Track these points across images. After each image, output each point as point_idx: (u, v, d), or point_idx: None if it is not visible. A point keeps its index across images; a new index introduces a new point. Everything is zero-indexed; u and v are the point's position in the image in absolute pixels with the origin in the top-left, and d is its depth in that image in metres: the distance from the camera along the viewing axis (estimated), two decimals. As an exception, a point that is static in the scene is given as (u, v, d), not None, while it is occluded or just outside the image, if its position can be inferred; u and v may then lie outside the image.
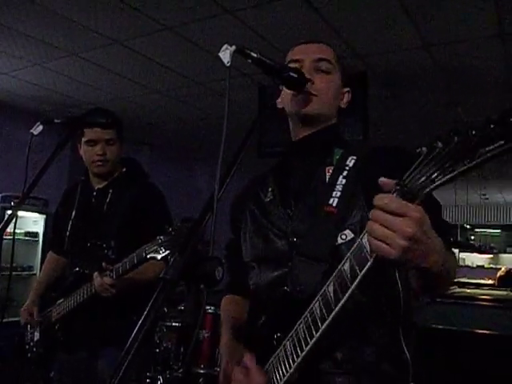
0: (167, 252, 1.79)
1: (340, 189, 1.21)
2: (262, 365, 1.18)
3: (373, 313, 1.16)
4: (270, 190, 1.37)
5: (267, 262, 1.31)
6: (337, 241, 1.16)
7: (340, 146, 1.33)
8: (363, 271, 0.90)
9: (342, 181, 1.23)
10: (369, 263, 0.89)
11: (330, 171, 1.27)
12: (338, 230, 1.17)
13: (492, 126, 0.67)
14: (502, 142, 0.67)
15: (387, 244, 0.82)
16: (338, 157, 1.30)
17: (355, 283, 0.92)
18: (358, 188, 1.20)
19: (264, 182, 1.42)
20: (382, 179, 0.86)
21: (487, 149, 0.68)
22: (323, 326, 0.99)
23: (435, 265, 0.89)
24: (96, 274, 1.98)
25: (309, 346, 1.03)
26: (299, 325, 1.06)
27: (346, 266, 0.95)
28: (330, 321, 0.98)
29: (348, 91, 1.41)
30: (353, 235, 1.15)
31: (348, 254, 0.95)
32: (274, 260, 1.29)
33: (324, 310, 0.99)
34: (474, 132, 0.69)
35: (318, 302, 1.01)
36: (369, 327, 1.16)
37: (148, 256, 1.85)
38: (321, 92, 1.29)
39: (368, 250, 0.89)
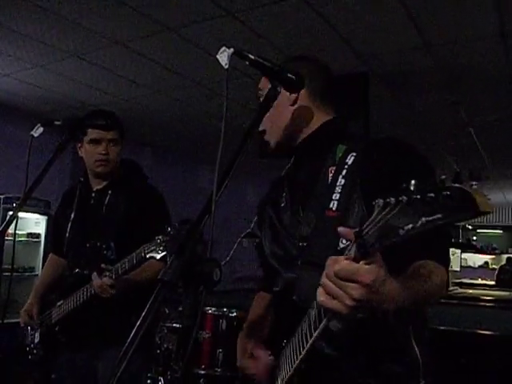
0: (166, 252, 1.80)
1: (339, 190, 1.20)
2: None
3: (377, 322, 1.12)
4: (283, 194, 1.40)
5: (283, 267, 1.35)
6: (339, 245, 1.15)
7: (344, 141, 1.30)
8: (320, 326, 0.97)
9: (341, 181, 1.21)
10: (323, 322, 0.96)
11: (333, 171, 1.25)
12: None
13: (431, 196, 0.67)
14: (439, 216, 0.67)
15: (339, 301, 0.87)
16: (340, 154, 1.27)
17: (317, 332, 0.99)
18: (356, 187, 1.19)
19: (281, 185, 1.44)
20: (341, 229, 0.89)
21: (427, 219, 0.68)
22: (307, 346, 1.04)
23: (391, 308, 0.92)
24: (95, 274, 1.99)
25: (299, 359, 1.09)
26: (294, 338, 1.12)
27: (312, 312, 1.02)
28: (311, 343, 1.03)
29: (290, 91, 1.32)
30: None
31: (314, 302, 1.00)
32: (286, 265, 1.32)
33: (307, 332, 1.03)
34: (418, 197, 0.69)
35: (305, 322, 1.05)
36: (375, 331, 1.14)
37: (147, 256, 1.86)
38: (265, 127, 1.36)
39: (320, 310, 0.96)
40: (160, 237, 1.83)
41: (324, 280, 0.89)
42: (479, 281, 10.40)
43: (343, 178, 1.21)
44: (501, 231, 12.41)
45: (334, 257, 0.89)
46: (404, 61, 4.02)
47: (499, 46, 3.65)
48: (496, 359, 3.41)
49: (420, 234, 0.71)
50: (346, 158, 1.24)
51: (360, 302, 0.85)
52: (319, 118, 1.36)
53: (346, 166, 1.23)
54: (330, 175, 1.25)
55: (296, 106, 1.35)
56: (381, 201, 0.76)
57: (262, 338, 1.42)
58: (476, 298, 4.76)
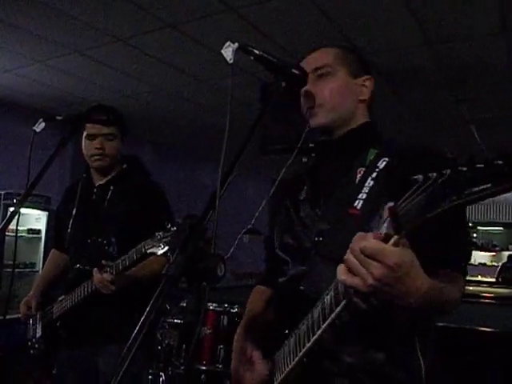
0: (166, 248, 1.81)
1: (366, 191, 1.21)
2: (271, 357, 1.25)
3: (384, 319, 1.12)
4: (304, 188, 1.39)
5: (294, 259, 1.34)
6: None
7: (375, 146, 1.31)
8: (336, 310, 0.97)
9: (369, 183, 1.22)
10: (340, 306, 0.96)
11: (362, 172, 1.26)
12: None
13: (481, 166, 0.66)
14: (489, 185, 0.66)
15: (360, 278, 0.88)
16: (372, 157, 1.28)
17: (332, 316, 0.99)
18: (384, 191, 1.18)
19: (301, 178, 1.43)
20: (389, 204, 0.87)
21: (474, 189, 0.67)
22: (318, 332, 1.03)
23: (415, 304, 0.93)
24: (96, 270, 1.99)
25: (307, 347, 1.07)
26: (302, 325, 1.10)
27: (328, 297, 1.01)
28: (324, 328, 1.02)
29: (368, 79, 1.37)
30: None
31: (330, 287, 1.00)
32: (298, 257, 1.32)
33: (320, 318, 1.02)
34: (464, 169, 0.68)
35: (318, 308, 1.04)
36: (380, 332, 1.14)
37: (148, 251, 1.86)
38: (324, 100, 1.31)
39: (341, 289, 0.95)
40: (160, 233, 1.84)
41: (348, 256, 0.89)
42: (479, 278, 10.40)
43: (372, 180, 1.22)
44: (501, 228, 12.41)
45: (362, 233, 0.89)
46: (405, 58, 4.01)
47: (501, 44, 3.65)
48: (497, 356, 3.42)
49: (463, 206, 0.69)
50: (378, 162, 1.25)
51: (380, 283, 0.85)
52: (359, 117, 1.37)
53: (377, 170, 1.23)
54: (359, 176, 1.25)
55: (362, 94, 1.36)
56: (420, 176, 0.75)
57: (260, 337, 1.39)
58: (477, 295, 4.76)
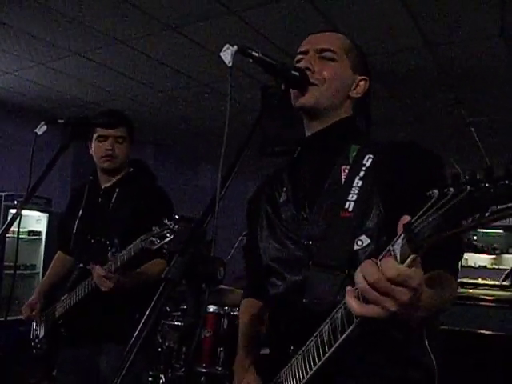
0: (162, 242, 1.83)
1: (356, 191, 1.16)
2: (275, 374, 1.19)
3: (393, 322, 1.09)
4: (284, 189, 1.32)
5: (283, 267, 1.27)
6: (353, 247, 1.13)
7: (356, 141, 1.26)
8: (349, 329, 0.91)
9: (358, 182, 1.17)
10: (353, 325, 0.90)
11: (346, 171, 1.21)
12: (354, 235, 1.13)
13: (506, 182, 0.61)
14: None
15: (378, 306, 0.81)
16: (354, 154, 1.23)
17: (345, 334, 0.93)
18: (374, 189, 1.16)
19: (279, 180, 1.36)
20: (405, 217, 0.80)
21: (499, 207, 0.62)
22: (330, 351, 0.97)
23: (423, 316, 0.90)
24: (94, 266, 2.01)
25: (317, 365, 1.01)
26: (310, 342, 1.05)
27: (338, 315, 0.95)
28: (336, 347, 0.96)
29: (364, 79, 1.32)
30: (369, 241, 1.12)
31: (340, 304, 0.95)
32: (289, 265, 1.25)
33: (331, 336, 0.97)
34: (487, 185, 0.63)
35: (327, 325, 0.99)
36: (390, 335, 1.11)
37: (144, 246, 1.88)
38: (320, 81, 1.24)
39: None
40: (157, 228, 1.87)
41: (364, 287, 0.80)
42: (479, 280, 10.40)
43: (361, 179, 1.18)
44: (502, 231, 12.39)
45: (370, 260, 0.81)
46: (405, 60, 4.02)
47: (501, 46, 3.65)
48: (498, 359, 3.42)
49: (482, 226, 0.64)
50: (363, 160, 1.21)
51: (403, 307, 0.80)
52: (343, 112, 1.31)
53: (364, 168, 1.19)
54: (344, 174, 1.21)
55: (353, 92, 1.31)
56: (436, 191, 0.69)
57: (260, 355, 1.33)
58: (478, 298, 4.76)
